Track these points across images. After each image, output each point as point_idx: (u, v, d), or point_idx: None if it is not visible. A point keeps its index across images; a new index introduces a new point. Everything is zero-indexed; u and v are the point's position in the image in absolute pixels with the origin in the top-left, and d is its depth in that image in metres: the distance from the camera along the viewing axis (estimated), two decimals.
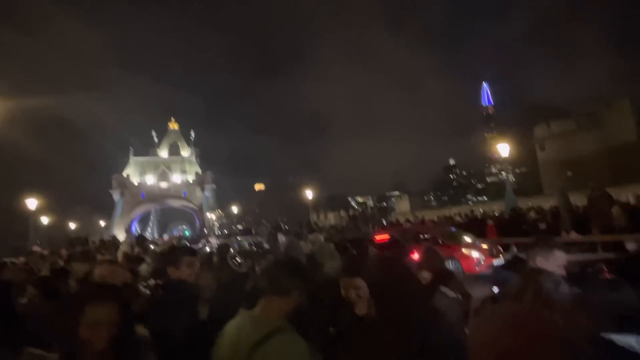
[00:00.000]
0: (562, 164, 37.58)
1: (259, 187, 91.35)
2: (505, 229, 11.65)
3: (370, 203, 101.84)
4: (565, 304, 1.51)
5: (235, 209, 64.38)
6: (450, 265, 8.84)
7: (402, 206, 47.77)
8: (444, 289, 2.53)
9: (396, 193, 74.10)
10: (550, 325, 1.10)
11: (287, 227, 20.06)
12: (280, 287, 1.59)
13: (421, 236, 11.51)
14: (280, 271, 1.66)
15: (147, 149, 66.06)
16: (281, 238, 7.03)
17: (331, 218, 47.15)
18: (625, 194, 15.29)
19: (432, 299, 2.32)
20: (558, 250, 2.10)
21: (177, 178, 62.84)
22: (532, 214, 12.42)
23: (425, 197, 74.99)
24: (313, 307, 1.93)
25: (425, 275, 2.65)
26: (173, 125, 68.16)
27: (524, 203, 18.99)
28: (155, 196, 61.43)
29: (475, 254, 9.51)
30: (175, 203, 65.31)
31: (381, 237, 9.48)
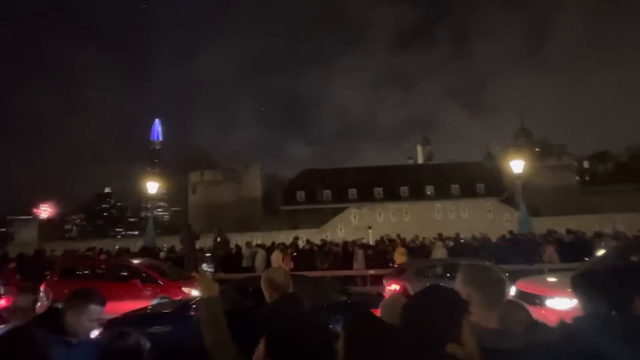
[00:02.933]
0: (207, 207, 42.85)
1: None
2: None
3: None
4: None
5: None
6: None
7: (28, 234, 38.51)
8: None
9: (24, 217, 59.32)
10: None
11: None
12: None
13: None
14: None
15: None
16: None
17: None
18: (247, 238, 18.87)
19: None
20: (94, 305, 1.96)
21: None
22: (164, 253, 12.92)
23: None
24: None
25: None
26: None
27: (170, 241, 19.63)
28: None
29: (195, 293, 8.37)
30: None
31: None
